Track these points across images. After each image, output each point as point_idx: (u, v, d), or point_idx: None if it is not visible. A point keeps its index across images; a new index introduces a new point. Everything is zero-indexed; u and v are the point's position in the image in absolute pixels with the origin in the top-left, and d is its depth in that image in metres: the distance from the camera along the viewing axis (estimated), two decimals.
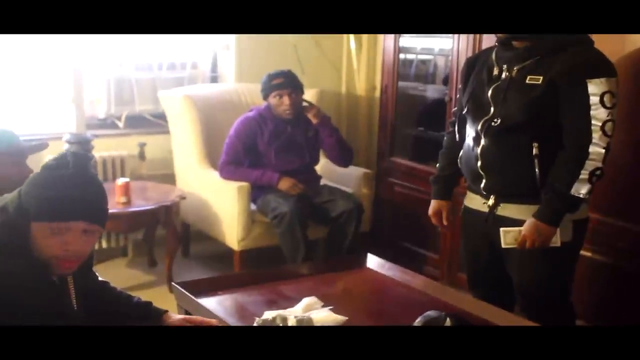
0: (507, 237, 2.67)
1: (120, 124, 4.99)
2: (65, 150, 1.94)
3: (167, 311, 2.28)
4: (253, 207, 4.27)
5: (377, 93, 5.13)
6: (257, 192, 4.23)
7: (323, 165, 4.67)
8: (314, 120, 4.29)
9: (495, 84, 2.68)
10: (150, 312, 2.27)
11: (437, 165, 3.05)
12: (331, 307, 2.46)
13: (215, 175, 4.38)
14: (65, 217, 1.85)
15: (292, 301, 2.53)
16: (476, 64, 2.84)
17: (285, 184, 4.18)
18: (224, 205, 4.31)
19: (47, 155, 2.40)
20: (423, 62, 4.96)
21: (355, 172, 4.67)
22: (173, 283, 2.72)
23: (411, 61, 4.95)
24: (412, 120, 4.91)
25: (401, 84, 4.85)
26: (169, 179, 4.82)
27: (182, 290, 2.58)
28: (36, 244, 1.85)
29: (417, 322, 2.29)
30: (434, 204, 3.03)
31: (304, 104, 4.33)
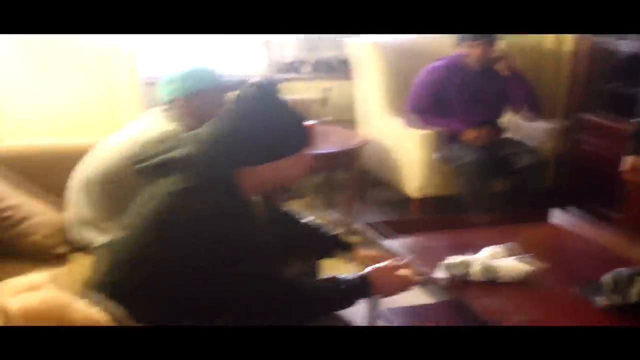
0: None
1: (307, 69, 5.11)
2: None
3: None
4: (435, 155, 4.28)
5: (566, 47, 4.96)
6: (441, 140, 4.23)
7: (508, 118, 4.59)
8: (505, 72, 4.22)
9: None
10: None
11: (637, 120, 2.94)
12: (517, 256, 2.44)
13: (399, 122, 4.41)
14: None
15: (474, 249, 2.50)
16: None
17: (470, 134, 4.16)
18: (407, 152, 4.35)
19: None
20: None
21: (540, 126, 4.56)
22: (363, 222, 2.78)
23: None
24: (605, 75, 4.72)
25: (595, 37, 4.66)
26: (350, 124, 4.89)
27: (371, 230, 2.63)
28: (255, 177, 1.92)
29: (606, 278, 2.24)
30: (630, 160, 2.93)
31: (496, 54, 4.26)
